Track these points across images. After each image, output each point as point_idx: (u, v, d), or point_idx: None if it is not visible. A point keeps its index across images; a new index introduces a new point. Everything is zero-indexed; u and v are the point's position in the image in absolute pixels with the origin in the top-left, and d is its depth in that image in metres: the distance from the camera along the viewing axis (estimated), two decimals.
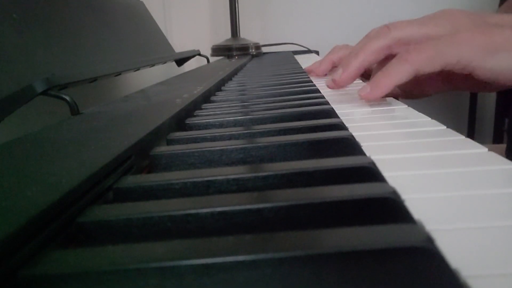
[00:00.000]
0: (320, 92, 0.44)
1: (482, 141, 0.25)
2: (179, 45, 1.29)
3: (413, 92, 0.46)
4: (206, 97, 0.46)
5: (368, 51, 0.40)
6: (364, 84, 0.39)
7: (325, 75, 0.65)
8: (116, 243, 0.14)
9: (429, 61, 0.34)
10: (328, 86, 0.45)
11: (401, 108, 0.36)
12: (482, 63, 0.34)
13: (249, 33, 1.44)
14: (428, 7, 1.44)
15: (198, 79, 0.57)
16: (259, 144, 0.25)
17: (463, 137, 0.25)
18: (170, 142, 0.29)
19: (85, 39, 0.50)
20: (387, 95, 0.38)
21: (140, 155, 0.24)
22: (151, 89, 0.48)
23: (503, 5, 0.64)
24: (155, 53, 0.74)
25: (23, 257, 0.13)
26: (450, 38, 0.35)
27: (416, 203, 0.16)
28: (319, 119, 0.31)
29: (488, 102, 1.46)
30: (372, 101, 0.38)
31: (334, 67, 0.65)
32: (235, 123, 0.33)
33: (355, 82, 0.56)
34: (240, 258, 0.12)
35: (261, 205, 0.16)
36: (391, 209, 0.16)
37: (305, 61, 0.95)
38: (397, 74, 0.35)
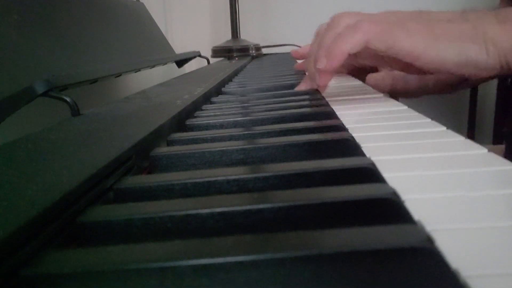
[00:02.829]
0: (320, 93, 0.44)
1: (482, 142, 0.25)
2: (180, 46, 1.29)
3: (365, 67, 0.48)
4: (207, 98, 0.46)
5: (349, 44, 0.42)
6: (353, 79, 0.39)
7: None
8: (117, 243, 0.14)
9: (380, 35, 0.36)
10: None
11: (401, 109, 0.36)
12: (425, 52, 0.35)
13: (250, 34, 1.44)
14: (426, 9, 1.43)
15: (199, 80, 0.57)
16: (260, 145, 0.25)
17: (463, 138, 0.25)
18: (170, 143, 0.29)
19: (85, 40, 0.50)
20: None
21: (141, 156, 0.24)
22: (151, 90, 0.48)
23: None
24: (156, 54, 0.74)
25: (24, 256, 0.13)
26: (400, 24, 0.36)
27: (416, 204, 0.16)
28: (319, 120, 0.31)
29: (488, 103, 1.46)
30: (330, 74, 0.40)
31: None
32: (235, 124, 0.33)
33: (353, 83, 0.57)
34: (240, 258, 0.12)
35: (261, 206, 0.16)
36: (391, 209, 0.16)
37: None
38: (349, 42, 0.36)
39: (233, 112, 0.37)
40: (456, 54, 0.35)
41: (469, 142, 0.24)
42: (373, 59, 0.43)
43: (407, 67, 0.41)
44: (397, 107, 0.37)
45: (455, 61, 0.36)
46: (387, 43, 0.36)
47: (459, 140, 0.25)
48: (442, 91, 0.55)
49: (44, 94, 0.34)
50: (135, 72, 0.58)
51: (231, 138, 0.28)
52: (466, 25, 0.36)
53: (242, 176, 0.20)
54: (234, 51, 1.18)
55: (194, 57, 0.90)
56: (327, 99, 0.41)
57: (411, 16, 0.39)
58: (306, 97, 0.42)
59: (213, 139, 0.28)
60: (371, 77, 0.53)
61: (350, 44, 0.36)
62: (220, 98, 0.47)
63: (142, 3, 0.84)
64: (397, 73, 0.52)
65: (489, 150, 0.22)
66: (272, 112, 0.34)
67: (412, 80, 0.52)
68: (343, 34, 0.37)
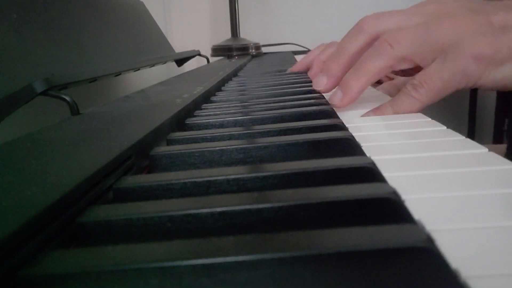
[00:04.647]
0: (320, 92, 0.44)
1: (482, 141, 0.25)
2: (179, 45, 1.29)
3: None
4: (206, 97, 0.46)
5: (371, 72, 0.36)
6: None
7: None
8: (116, 243, 0.14)
9: (439, 94, 0.34)
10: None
11: None
12: (490, 77, 0.33)
13: (249, 33, 1.44)
14: None
15: (198, 79, 0.57)
16: (259, 144, 0.25)
17: (463, 137, 0.25)
18: (170, 142, 0.28)
19: (85, 39, 0.50)
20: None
21: (140, 155, 0.24)
22: (151, 89, 0.48)
23: None
24: (155, 53, 0.74)
25: (23, 257, 0.13)
26: (456, 60, 0.32)
27: (416, 204, 0.16)
28: (319, 119, 0.31)
29: (488, 102, 1.46)
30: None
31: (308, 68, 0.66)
32: (235, 123, 0.33)
33: None
34: (240, 258, 0.12)
35: (261, 205, 0.16)
36: (391, 209, 0.16)
37: None
38: (406, 111, 0.34)
39: (233, 111, 0.37)
40: None
41: (469, 141, 0.24)
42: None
43: None
44: None
45: None
46: (449, 92, 0.34)
47: (459, 139, 0.25)
48: None
49: (44, 93, 0.34)
50: (135, 71, 0.58)
51: (231, 137, 0.28)
52: None
53: (242, 176, 0.20)
54: (234, 50, 1.18)
55: (194, 56, 0.90)
56: (327, 98, 0.41)
57: (474, 23, 0.33)
58: (306, 96, 0.42)
59: (213, 138, 0.28)
60: (384, 88, 0.51)
61: (417, 107, 0.34)
62: (220, 97, 0.47)
63: (142, 2, 0.83)
64: (402, 79, 0.51)
65: (490, 149, 0.22)
66: (272, 111, 0.34)
67: None
68: (399, 101, 0.34)
